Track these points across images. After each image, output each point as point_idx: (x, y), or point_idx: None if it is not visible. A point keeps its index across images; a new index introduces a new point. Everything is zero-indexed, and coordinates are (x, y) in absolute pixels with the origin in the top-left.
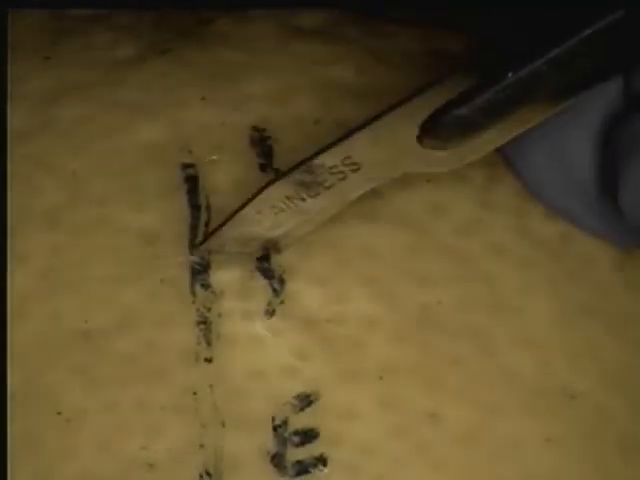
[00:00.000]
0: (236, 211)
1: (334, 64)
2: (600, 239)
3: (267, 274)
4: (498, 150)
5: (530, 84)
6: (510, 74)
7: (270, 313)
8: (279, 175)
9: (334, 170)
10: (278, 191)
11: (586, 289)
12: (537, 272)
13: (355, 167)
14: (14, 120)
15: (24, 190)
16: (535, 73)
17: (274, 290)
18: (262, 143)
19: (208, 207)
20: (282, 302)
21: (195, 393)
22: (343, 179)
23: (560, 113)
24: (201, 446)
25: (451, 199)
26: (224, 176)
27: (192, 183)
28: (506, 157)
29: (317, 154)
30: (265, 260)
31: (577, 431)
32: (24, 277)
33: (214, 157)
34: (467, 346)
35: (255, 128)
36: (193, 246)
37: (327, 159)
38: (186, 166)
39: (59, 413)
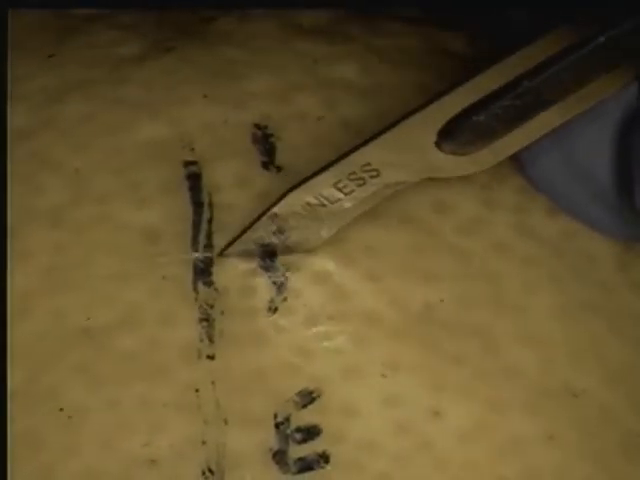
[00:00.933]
0: (256, 219)
1: (337, 62)
2: (603, 236)
3: (270, 271)
4: None
5: (546, 91)
6: (526, 81)
7: (273, 310)
8: (300, 181)
9: (353, 177)
10: (298, 198)
11: (589, 287)
12: (540, 270)
13: (374, 173)
14: (17, 118)
15: (27, 188)
16: (551, 80)
17: (277, 287)
18: (264, 141)
19: (210, 204)
20: (285, 299)
21: (197, 390)
22: (362, 185)
23: (576, 118)
24: (203, 443)
25: (454, 197)
26: (226, 173)
27: (194, 180)
28: (519, 162)
29: (336, 161)
30: (268, 257)
31: (580, 429)
32: (27, 275)
33: (217, 154)
34: (470, 344)
35: (257, 126)
36: (220, 254)
37: (346, 166)
38: (188, 163)
39: (61, 410)
